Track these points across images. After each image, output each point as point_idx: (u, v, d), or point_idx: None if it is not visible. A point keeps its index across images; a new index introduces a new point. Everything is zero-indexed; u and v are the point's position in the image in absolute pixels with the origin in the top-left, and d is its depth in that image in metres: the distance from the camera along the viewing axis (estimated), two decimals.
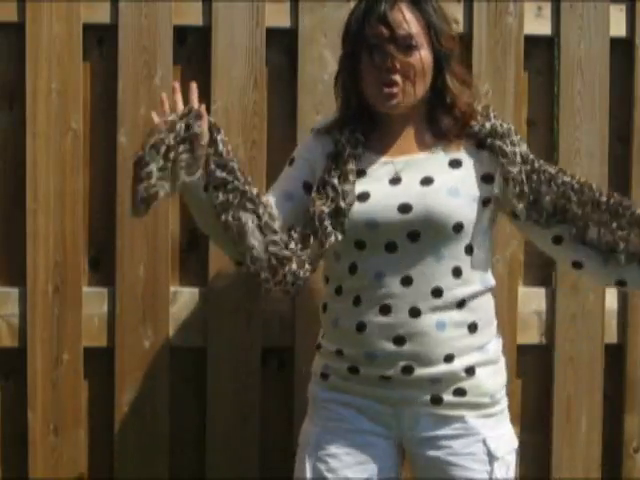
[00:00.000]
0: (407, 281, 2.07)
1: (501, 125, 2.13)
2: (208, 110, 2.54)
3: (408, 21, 2.05)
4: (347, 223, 2.07)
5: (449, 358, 2.09)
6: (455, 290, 2.09)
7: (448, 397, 2.11)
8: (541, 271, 2.66)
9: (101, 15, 2.54)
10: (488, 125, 2.13)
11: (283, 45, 2.61)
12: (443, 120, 2.13)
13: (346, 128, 2.13)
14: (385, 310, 2.08)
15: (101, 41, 2.57)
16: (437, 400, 2.10)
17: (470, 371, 2.12)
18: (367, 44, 2.06)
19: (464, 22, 2.62)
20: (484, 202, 2.11)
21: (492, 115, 2.15)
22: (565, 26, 2.65)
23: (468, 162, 2.12)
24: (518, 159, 2.11)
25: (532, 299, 2.69)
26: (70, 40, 2.52)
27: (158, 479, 2.61)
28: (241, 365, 2.60)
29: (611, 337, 2.71)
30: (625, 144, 2.70)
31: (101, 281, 2.60)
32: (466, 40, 2.60)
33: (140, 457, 2.60)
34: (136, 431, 2.59)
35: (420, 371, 2.08)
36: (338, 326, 2.14)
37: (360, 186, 2.09)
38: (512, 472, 2.16)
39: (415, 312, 2.07)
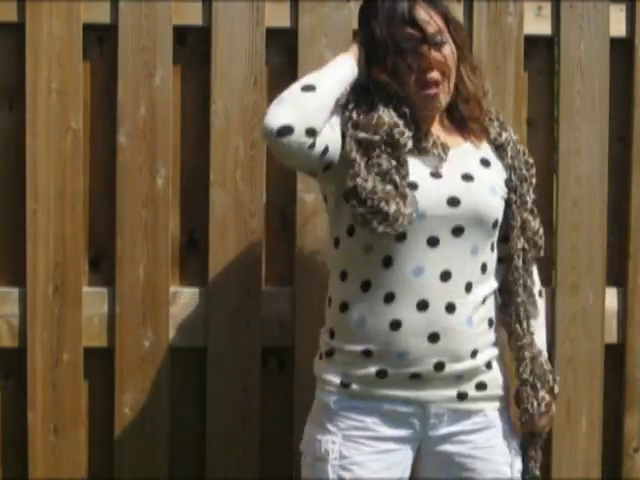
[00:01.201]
0: (446, 276, 2.07)
1: (518, 143, 2.21)
2: (208, 110, 2.56)
3: (433, 18, 2.05)
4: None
5: (474, 353, 2.11)
6: (481, 285, 2.12)
7: (472, 392, 2.12)
8: (541, 271, 2.65)
9: (101, 15, 2.54)
10: (505, 135, 2.19)
11: (283, 45, 2.61)
12: (464, 112, 2.15)
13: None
14: (422, 306, 2.06)
15: (101, 41, 2.57)
16: (463, 395, 2.12)
17: (489, 365, 2.15)
18: (397, 49, 2.04)
19: (464, 22, 2.61)
20: (505, 202, 2.16)
21: (504, 123, 2.22)
22: (565, 26, 2.65)
23: (494, 163, 2.17)
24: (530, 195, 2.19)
25: None
26: (70, 40, 2.52)
27: (158, 479, 2.61)
28: (241, 365, 2.60)
29: (611, 337, 2.71)
30: (625, 144, 2.70)
31: (101, 281, 2.60)
32: None
33: (140, 457, 2.60)
34: (136, 431, 2.59)
35: (450, 367, 2.09)
36: (365, 326, 2.08)
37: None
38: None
39: (451, 308, 2.07)
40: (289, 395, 2.62)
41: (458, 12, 2.60)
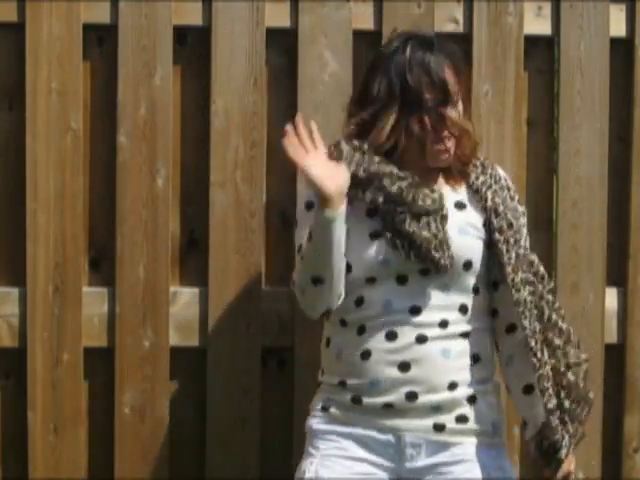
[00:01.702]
0: (415, 310, 2.09)
1: (509, 189, 2.20)
2: (208, 110, 2.56)
3: (450, 73, 2.08)
4: (360, 263, 2.08)
5: (453, 386, 2.11)
6: (461, 324, 2.12)
7: (451, 424, 2.11)
8: None
9: (101, 15, 2.54)
10: (482, 179, 2.17)
11: (283, 45, 2.61)
12: (461, 157, 2.15)
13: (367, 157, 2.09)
14: (391, 336, 2.09)
15: (101, 41, 2.57)
16: (440, 427, 2.11)
17: (472, 399, 2.13)
18: (421, 105, 2.05)
19: (464, 22, 2.62)
20: (485, 244, 2.15)
21: (487, 168, 2.20)
22: (565, 26, 2.65)
23: (470, 206, 2.16)
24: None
25: None
26: (70, 40, 2.52)
27: (158, 479, 2.61)
28: (241, 365, 2.60)
29: (611, 337, 2.71)
30: (625, 144, 2.70)
31: (101, 281, 2.60)
32: (466, 40, 2.61)
33: (140, 457, 2.60)
34: (136, 431, 2.59)
35: (424, 397, 2.09)
36: (342, 358, 2.14)
37: (373, 224, 2.10)
38: None
39: (421, 339, 2.08)
40: (289, 395, 2.62)
41: (458, 12, 2.61)
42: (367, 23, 2.60)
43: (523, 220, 2.20)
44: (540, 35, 2.66)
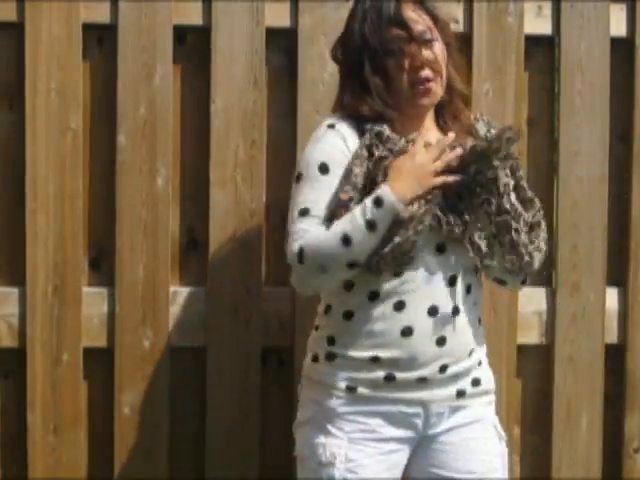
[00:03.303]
0: (452, 281, 2.09)
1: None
2: (208, 110, 2.56)
3: (421, 16, 2.08)
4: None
5: (471, 352, 2.14)
6: (476, 286, 2.15)
7: (469, 388, 2.15)
8: (541, 271, 2.65)
9: (101, 15, 2.54)
10: (494, 132, 2.13)
11: (283, 45, 2.61)
12: (447, 112, 2.17)
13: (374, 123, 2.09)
14: (432, 311, 2.08)
15: (101, 41, 2.57)
16: (461, 393, 2.14)
17: (480, 362, 2.18)
18: (387, 50, 2.06)
19: (464, 22, 2.62)
20: None
21: (491, 122, 2.18)
22: (565, 26, 2.65)
23: None
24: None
25: (532, 299, 2.69)
26: (70, 40, 2.52)
27: (158, 479, 2.61)
28: (241, 365, 2.60)
29: (611, 337, 2.71)
30: (625, 144, 2.70)
31: (101, 281, 2.60)
32: (466, 40, 2.60)
33: (140, 457, 2.60)
34: (136, 431, 2.59)
35: (452, 368, 2.11)
36: (374, 333, 2.08)
37: None
38: None
39: (456, 311, 2.10)
40: (289, 395, 2.62)
41: (458, 12, 2.61)
42: None
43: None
44: (540, 35, 2.66)
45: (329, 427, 2.11)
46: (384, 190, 2.00)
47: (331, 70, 2.56)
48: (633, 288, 2.70)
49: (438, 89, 2.10)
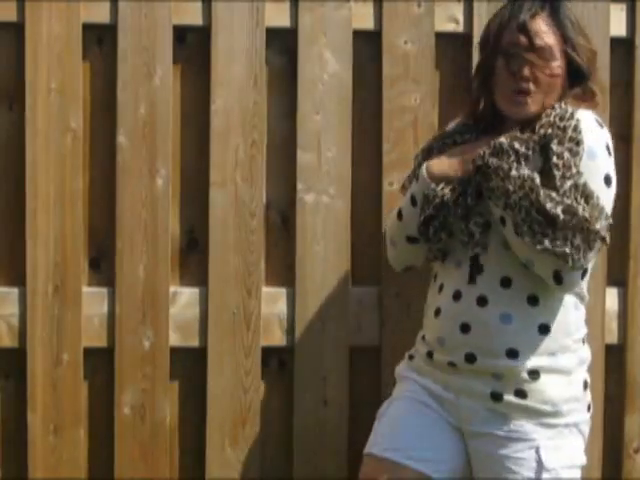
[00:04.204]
0: (479, 269, 2.12)
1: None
2: (208, 110, 2.56)
3: (545, 32, 2.10)
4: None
5: (512, 354, 2.11)
6: (525, 284, 2.11)
7: (509, 396, 2.12)
8: None
9: (101, 15, 2.54)
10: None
11: (283, 45, 2.61)
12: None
13: (470, 132, 2.21)
14: (457, 296, 2.14)
15: (101, 41, 2.57)
16: (497, 396, 2.12)
17: (534, 374, 2.12)
18: (505, 51, 2.11)
19: (464, 22, 2.62)
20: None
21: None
22: None
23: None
24: None
25: None
26: (70, 40, 2.52)
27: (158, 479, 2.61)
28: (241, 365, 2.60)
29: (611, 337, 2.71)
30: (625, 144, 2.70)
31: (101, 281, 2.60)
32: (466, 40, 2.61)
33: (140, 457, 2.60)
34: (136, 431, 2.59)
35: (482, 361, 2.12)
36: (427, 313, 2.26)
37: None
38: None
39: (482, 301, 2.11)
40: (289, 395, 2.62)
41: (458, 12, 2.61)
42: (367, 23, 2.60)
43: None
44: None
45: (393, 389, 2.31)
46: (423, 167, 2.18)
47: (331, 70, 2.57)
48: (633, 288, 2.70)
49: (534, 105, 2.11)
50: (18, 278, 2.56)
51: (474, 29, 2.61)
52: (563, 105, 2.11)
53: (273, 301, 2.61)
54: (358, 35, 2.59)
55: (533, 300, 2.11)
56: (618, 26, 2.66)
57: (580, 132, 2.06)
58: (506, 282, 2.12)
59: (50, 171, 2.53)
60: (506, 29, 2.12)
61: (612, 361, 2.71)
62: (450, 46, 2.64)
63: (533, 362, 2.11)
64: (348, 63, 2.58)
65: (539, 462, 2.11)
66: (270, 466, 2.64)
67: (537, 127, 2.08)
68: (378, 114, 2.60)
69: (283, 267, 2.62)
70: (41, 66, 2.51)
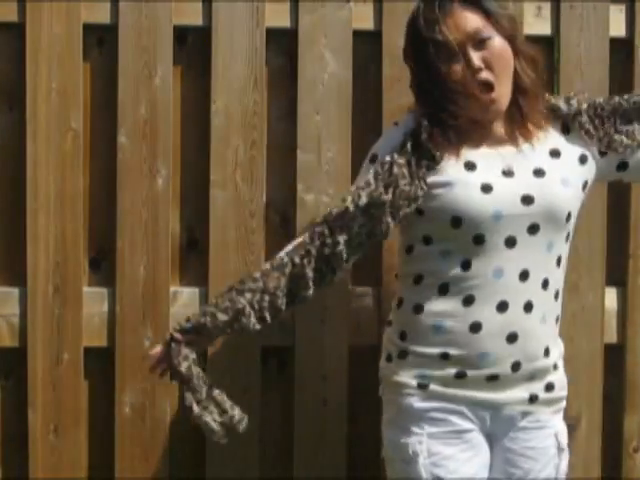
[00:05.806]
0: (524, 275, 2.07)
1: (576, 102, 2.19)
2: (208, 110, 2.56)
3: (469, 17, 2.02)
4: (466, 215, 2.04)
5: (547, 352, 2.12)
6: (556, 280, 2.12)
7: (542, 394, 2.13)
8: None
9: (101, 15, 2.54)
10: (565, 107, 2.17)
11: (283, 45, 2.61)
12: (524, 107, 2.11)
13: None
14: (502, 307, 2.06)
15: (101, 41, 2.57)
16: (534, 398, 2.12)
17: (556, 365, 2.15)
18: (443, 55, 2.01)
19: None
20: (584, 187, 2.16)
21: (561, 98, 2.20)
22: (565, 26, 2.65)
23: (564, 149, 2.14)
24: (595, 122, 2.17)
25: None
26: (70, 40, 2.52)
27: (158, 479, 2.61)
28: (241, 365, 2.60)
29: (611, 337, 2.71)
30: None
31: (101, 281, 2.60)
32: None
33: (140, 457, 2.60)
34: (136, 431, 2.59)
35: (525, 366, 2.09)
36: (444, 329, 2.08)
37: (478, 177, 2.06)
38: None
39: (529, 307, 2.07)
40: (289, 395, 2.62)
41: None
42: (367, 23, 2.60)
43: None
44: (540, 35, 2.66)
45: (408, 425, 2.12)
46: None
47: (331, 70, 2.57)
48: (632, 288, 2.70)
49: (503, 96, 2.04)
50: (19, 278, 2.56)
51: None
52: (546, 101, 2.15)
53: None
54: (358, 35, 2.59)
55: (557, 294, 2.13)
56: (618, 26, 2.67)
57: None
58: (545, 284, 2.09)
59: (50, 171, 2.54)
60: (433, 33, 2.01)
61: (611, 361, 2.71)
62: None
63: (556, 353, 2.15)
64: (348, 63, 2.58)
65: (559, 446, 2.16)
66: (270, 466, 2.64)
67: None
68: (378, 114, 2.60)
69: None
70: (41, 66, 2.52)
